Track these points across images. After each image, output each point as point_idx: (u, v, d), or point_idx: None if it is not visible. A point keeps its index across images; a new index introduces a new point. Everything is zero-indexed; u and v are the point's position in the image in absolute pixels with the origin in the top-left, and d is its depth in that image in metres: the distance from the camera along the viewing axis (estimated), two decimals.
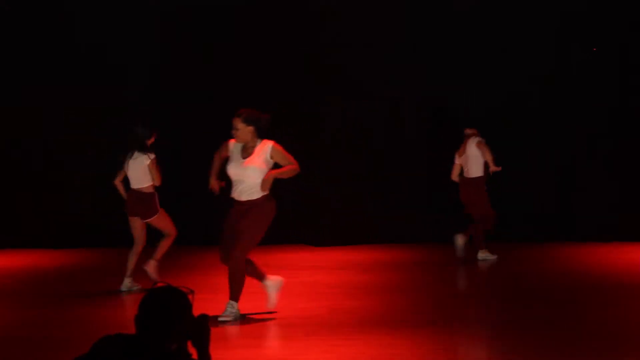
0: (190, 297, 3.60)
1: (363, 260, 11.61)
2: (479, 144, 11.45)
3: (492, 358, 6.74)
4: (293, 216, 13.20)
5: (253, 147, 7.97)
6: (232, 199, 8.03)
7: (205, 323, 3.67)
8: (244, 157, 7.95)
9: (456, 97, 13.16)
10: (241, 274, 7.90)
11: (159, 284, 3.63)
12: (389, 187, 13.23)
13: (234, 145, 8.04)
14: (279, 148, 8.02)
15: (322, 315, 8.20)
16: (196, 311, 3.63)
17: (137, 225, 9.68)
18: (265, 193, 7.96)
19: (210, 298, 8.61)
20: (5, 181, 13.06)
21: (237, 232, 7.84)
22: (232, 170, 8.00)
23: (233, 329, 7.53)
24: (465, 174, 11.63)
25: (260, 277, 8.17)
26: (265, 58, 13.06)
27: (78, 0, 12.88)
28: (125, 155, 9.59)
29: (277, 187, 12.99)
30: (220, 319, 7.74)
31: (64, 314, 8.43)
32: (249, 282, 9.93)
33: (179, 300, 3.57)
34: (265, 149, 7.96)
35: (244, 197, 7.96)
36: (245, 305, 8.66)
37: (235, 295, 7.92)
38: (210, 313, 3.81)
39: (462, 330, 7.55)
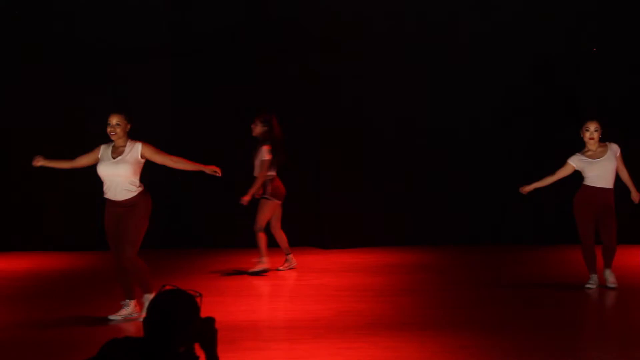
0: (198, 300, 3.61)
1: (371, 263, 11.61)
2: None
3: None
4: (301, 218, 13.21)
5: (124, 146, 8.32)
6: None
7: (213, 325, 3.68)
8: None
9: (456, 96, 13.18)
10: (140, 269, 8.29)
11: (168, 287, 3.64)
12: (398, 188, 13.22)
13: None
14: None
15: (330, 318, 8.22)
16: (204, 314, 3.64)
17: None
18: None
19: (218, 301, 8.65)
20: (3, 182, 13.10)
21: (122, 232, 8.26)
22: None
23: (241, 332, 7.55)
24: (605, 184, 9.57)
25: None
26: (264, 56, 13.09)
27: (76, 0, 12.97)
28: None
29: (284, 188, 13.08)
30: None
31: (69, 317, 8.43)
32: (249, 285, 9.98)
33: (187, 303, 3.59)
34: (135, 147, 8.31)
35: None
36: (252, 307, 8.69)
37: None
38: (218, 316, 3.82)
39: (469, 332, 7.55)
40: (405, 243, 13.08)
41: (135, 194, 8.24)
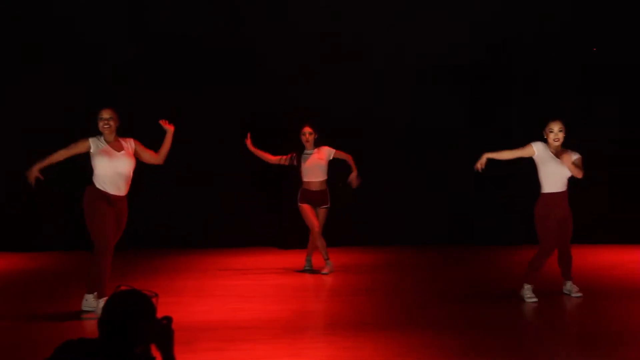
0: (154, 300, 3.59)
1: (331, 263, 11.57)
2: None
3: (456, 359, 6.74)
4: (261, 219, 13.18)
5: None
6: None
7: (170, 326, 3.66)
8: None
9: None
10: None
11: (123, 287, 3.61)
12: (360, 188, 13.22)
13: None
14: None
15: (289, 318, 8.18)
16: (161, 314, 3.60)
17: None
18: None
19: (176, 301, 8.57)
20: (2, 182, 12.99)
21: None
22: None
23: (198, 332, 7.48)
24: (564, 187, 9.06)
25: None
26: (263, 56, 13.09)
27: None
28: None
29: (242, 189, 13.05)
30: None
31: (28, 318, 8.30)
32: (215, 285, 9.92)
33: (143, 303, 3.57)
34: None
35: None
36: (210, 308, 8.62)
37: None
38: (176, 316, 3.76)
39: (429, 331, 7.55)
40: (368, 243, 13.09)
41: (126, 192, 8.41)
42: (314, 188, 10.87)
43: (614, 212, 13.26)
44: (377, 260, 11.92)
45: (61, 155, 8.36)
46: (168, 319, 3.65)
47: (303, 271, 11.00)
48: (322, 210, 10.99)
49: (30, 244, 12.87)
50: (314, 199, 10.90)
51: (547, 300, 8.95)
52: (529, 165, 9.16)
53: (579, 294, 9.08)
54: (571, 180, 8.99)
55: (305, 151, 10.89)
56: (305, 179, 10.88)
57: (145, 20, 13.07)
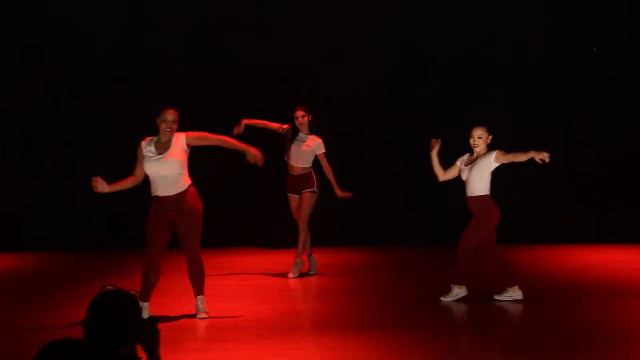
0: (139, 300, 3.60)
1: (318, 263, 11.63)
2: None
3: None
4: (246, 218, 13.23)
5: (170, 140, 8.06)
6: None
7: (155, 326, 3.64)
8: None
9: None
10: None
11: (108, 287, 3.64)
12: (347, 187, 13.28)
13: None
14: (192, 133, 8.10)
15: (274, 318, 8.18)
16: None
17: None
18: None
19: (161, 302, 8.55)
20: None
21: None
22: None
23: (184, 333, 7.51)
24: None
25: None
26: (261, 54, 13.16)
27: None
28: None
29: (224, 189, 13.06)
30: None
31: (19, 319, 8.29)
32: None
33: (128, 303, 3.55)
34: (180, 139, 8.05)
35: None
36: (195, 308, 8.64)
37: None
38: (161, 316, 3.86)
39: (415, 331, 7.57)
40: (356, 243, 13.14)
41: (186, 187, 8.03)
42: (296, 172, 10.49)
43: (605, 212, 13.32)
44: (365, 260, 11.93)
45: (137, 173, 8.06)
46: (154, 319, 3.63)
47: (308, 274, 10.75)
48: (305, 195, 10.45)
49: (30, 243, 12.88)
50: (296, 183, 10.52)
51: (540, 301, 9.01)
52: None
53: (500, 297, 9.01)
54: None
55: (300, 134, 10.42)
56: (288, 161, 10.51)
57: (145, 19, 13.13)
